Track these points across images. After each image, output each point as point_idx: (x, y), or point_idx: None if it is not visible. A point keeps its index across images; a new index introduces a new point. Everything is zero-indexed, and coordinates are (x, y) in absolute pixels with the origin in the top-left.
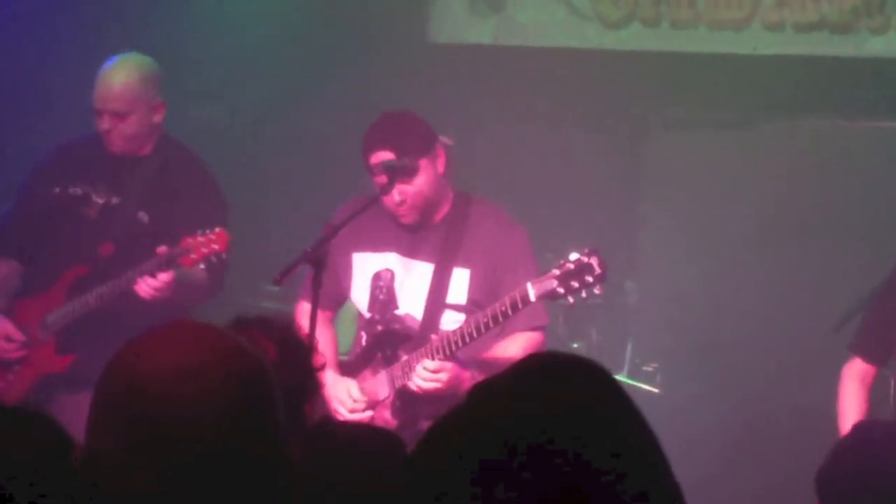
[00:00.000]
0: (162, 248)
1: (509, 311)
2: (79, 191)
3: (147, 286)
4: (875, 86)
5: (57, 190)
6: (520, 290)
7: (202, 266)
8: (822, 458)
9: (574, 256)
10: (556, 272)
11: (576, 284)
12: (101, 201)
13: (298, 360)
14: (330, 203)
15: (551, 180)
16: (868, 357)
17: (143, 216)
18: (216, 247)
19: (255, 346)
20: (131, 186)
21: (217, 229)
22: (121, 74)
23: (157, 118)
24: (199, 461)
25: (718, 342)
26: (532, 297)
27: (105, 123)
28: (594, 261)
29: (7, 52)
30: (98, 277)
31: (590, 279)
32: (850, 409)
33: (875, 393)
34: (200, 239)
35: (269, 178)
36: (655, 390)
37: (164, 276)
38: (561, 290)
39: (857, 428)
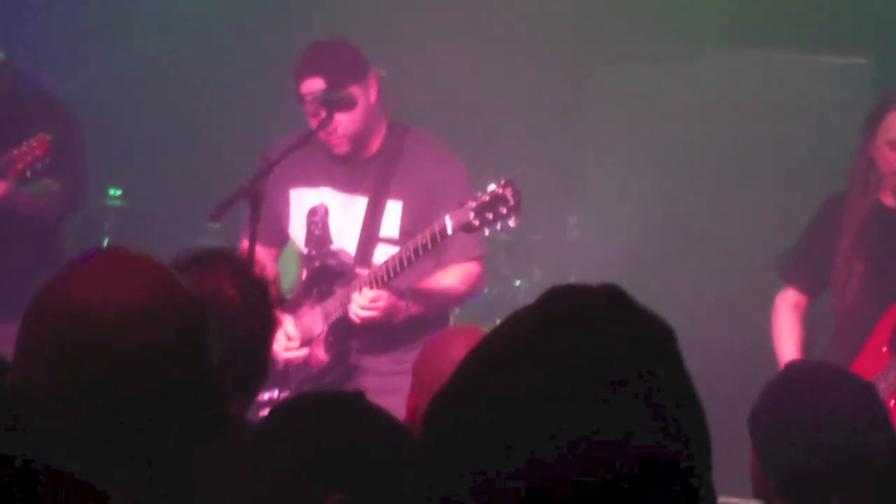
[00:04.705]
0: None
1: (429, 244)
2: None
3: None
4: (823, 20)
5: None
6: (439, 222)
7: (28, 173)
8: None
9: (490, 188)
10: (473, 204)
11: (490, 216)
12: None
13: (260, 300)
14: (272, 139)
15: (493, 115)
16: (802, 287)
17: None
18: (38, 153)
19: (221, 289)
20: None
21: (39, 136)
22: None
23: None
24: (130, 403)
25: (662, 277)
26: (449, 230)
27: None
28: (508, 192)
29: None
30: None
31: (504, 210)
32: (787, 340)
33: (819, 335)
34: (24, 148)
35: (210, 114)
36: None
37: None
38: (476, 222)
39: (787, 369)
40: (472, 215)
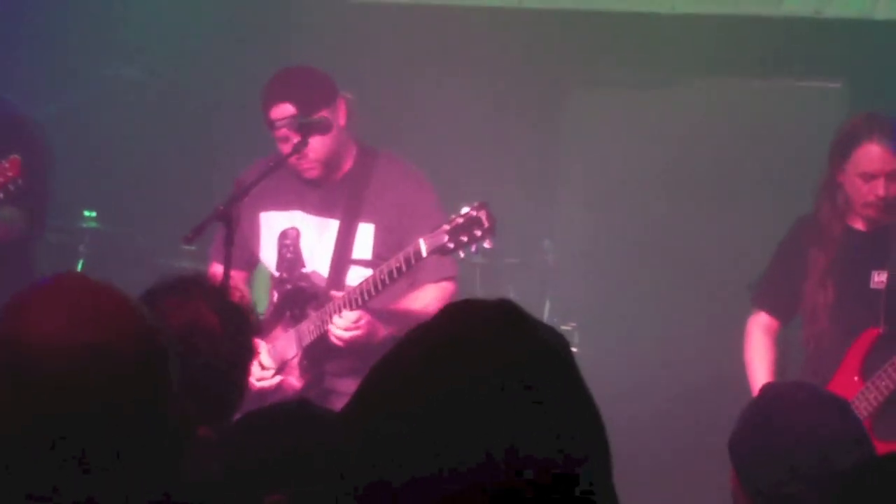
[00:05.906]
0: None
1: (404, 267)
2: None
3: None
4: (792, 45)
5: None
6: (413, 245)
7: (0, 196)
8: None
9: (464, 210)
10: (447, 227)
11: (465, 238)
12: None
13: (240, 327)
14: (247, 162)
15: (470, 139)
16: (772, 311)
17: None
18: (10, 174)
19: (200, 317)
20: None
21: (11, 157)
22: None
23: None
24: (79, 436)
25: (638, 301)
26: (424, 253)
27: None
28: (482, 214)
29: None
30: None
31: (478, 233)
32: (759, 364)
33: (792, 360)
34: None
35: (185, 137)
36: (574, 350)
37: None
38: (451, 245)
39: (764, 390)
40: (446, 238)
